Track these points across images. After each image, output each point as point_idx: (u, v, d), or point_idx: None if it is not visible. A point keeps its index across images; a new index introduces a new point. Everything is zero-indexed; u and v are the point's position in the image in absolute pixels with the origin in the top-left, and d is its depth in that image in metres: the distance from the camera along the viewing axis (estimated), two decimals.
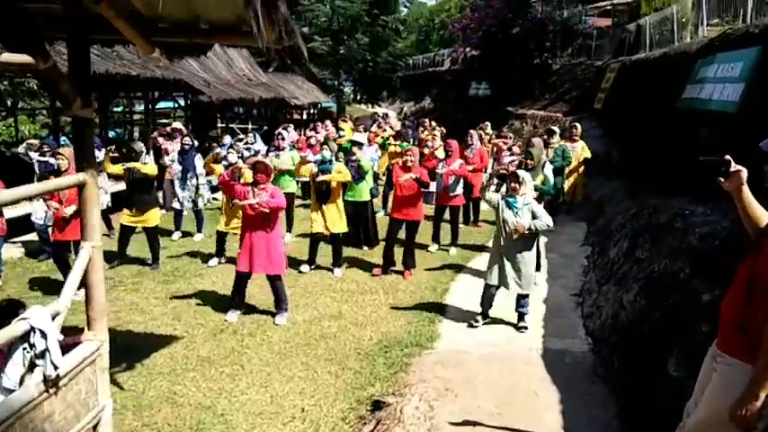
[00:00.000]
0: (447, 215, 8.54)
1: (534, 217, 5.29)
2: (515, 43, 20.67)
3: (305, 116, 24.28)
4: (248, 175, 6.13)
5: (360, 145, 8.23)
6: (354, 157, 8.00)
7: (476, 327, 5.56)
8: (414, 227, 7.20)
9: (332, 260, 7.36)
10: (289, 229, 8.83)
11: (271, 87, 16.90)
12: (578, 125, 9.68)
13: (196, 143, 9.23)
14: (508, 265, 5.37)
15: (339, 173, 7.07)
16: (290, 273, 7.09)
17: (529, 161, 6.69)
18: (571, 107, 17.15)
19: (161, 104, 18.83)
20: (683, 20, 13.24)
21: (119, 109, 20.47)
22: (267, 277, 5.75)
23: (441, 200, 8.29)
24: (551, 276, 7.17)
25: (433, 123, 14.20)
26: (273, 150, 9.01)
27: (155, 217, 7.27)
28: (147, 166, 7.17)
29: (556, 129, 9.13)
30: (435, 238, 8.50)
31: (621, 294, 5.23)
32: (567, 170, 9.18)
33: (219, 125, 18.28)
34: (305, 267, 7.33)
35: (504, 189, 5.71)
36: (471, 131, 9.56)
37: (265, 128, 18.67)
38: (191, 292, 6.59)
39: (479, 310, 5.68)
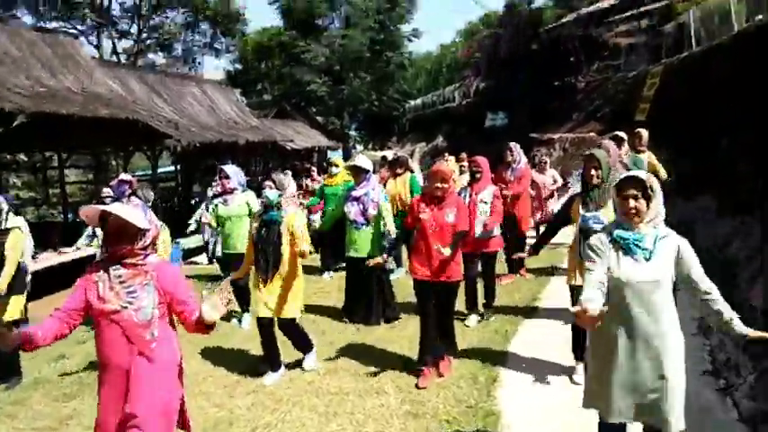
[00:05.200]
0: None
1: (683, 270, 2.45)
2: (533, 65, 18.66)
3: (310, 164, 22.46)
4: None
5: (363, 172, 5.65)
6: (358, 193, 5.60)
7: None
8: (452, 292, 4.43)
9: (294, 346, 4.75)
10: (246, 309, 5.95)
11: (260, 131, 14.82)
12: (643, 132, 6.38)
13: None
14: (643, 375, 2.49)
15: (291, 226, 4.35)
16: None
17: (594, 172, 3.84)
18: (606, 124, 14.98)
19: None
20: (735, 11, 12.12)
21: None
22: None
23: (468, 246, 5.15)
24: None
25: (463, 155, 11.17)
26: (218, 195, 6.23)
27: (14, 307, 4.75)
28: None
29: (622, 134, 6.42)
30: (472, 304, 5.64)
31: None
32: None
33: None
34: (270, 378, 4.54)
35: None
36: (511, 145, 6.78)
37: (260, 179, 16.63)
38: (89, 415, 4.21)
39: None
